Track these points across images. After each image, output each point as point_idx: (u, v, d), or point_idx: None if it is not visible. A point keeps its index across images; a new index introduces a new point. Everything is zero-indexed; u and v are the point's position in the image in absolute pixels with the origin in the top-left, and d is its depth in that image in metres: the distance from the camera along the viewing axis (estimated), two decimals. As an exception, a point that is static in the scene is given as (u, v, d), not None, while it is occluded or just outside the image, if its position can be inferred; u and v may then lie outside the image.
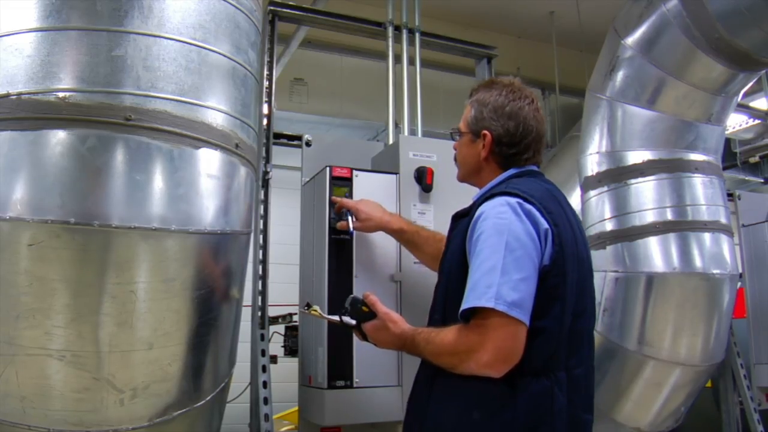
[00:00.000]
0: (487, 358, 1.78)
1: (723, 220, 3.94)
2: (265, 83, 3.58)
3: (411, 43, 4.05)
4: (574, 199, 5.95)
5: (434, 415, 1.95)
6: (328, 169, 3.00)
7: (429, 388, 2.00)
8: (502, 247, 1.82)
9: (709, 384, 4.83)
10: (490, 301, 1.77)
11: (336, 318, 2.22)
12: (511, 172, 2.16)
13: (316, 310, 2.25)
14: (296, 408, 3.34)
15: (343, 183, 3.00)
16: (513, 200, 1.91)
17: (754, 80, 4.13)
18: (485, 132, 2.16)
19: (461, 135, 2.28)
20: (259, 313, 3.33)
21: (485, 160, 2.18)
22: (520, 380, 1.82)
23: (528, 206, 1.90)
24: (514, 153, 2.15)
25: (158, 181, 2.01)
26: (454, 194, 3.17)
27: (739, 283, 4.18)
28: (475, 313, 1.81)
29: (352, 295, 2.21)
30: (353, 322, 2.19)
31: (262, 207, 3.42)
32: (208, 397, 2.30)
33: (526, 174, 2.15)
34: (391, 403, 2.88)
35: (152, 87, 2.01)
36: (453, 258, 2.04)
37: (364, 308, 2.17)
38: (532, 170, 2.17)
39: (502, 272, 1.79)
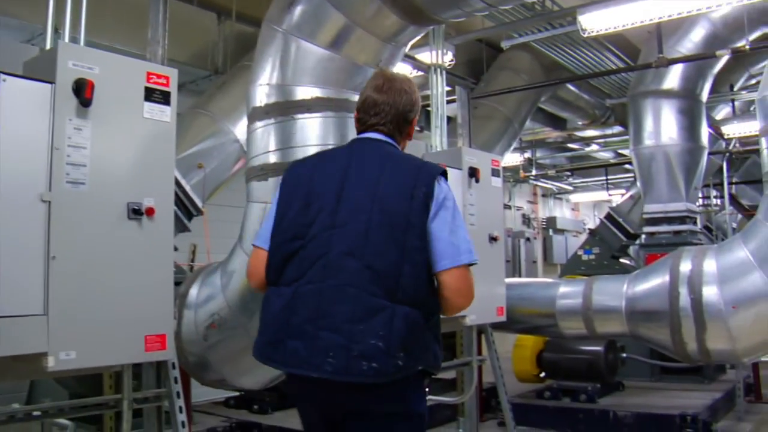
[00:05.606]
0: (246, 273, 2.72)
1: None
2: None
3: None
4: (240, 129, 5.98)
5: None
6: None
7: None
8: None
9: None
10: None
11: None
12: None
13: None
14: None
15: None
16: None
17: (422, 34, 4.41)
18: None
19: None
20: None
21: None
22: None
23: (286, 174, 2.64)
24: (358, 119, 2.67)
25: None
26: (116, 111, 3.01)
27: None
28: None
29: None
30: None
31: None
32: None
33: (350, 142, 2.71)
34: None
35: None
36: None
37: None
38: (361, 138, 2.64)
39: (266, 220, 2.64)
